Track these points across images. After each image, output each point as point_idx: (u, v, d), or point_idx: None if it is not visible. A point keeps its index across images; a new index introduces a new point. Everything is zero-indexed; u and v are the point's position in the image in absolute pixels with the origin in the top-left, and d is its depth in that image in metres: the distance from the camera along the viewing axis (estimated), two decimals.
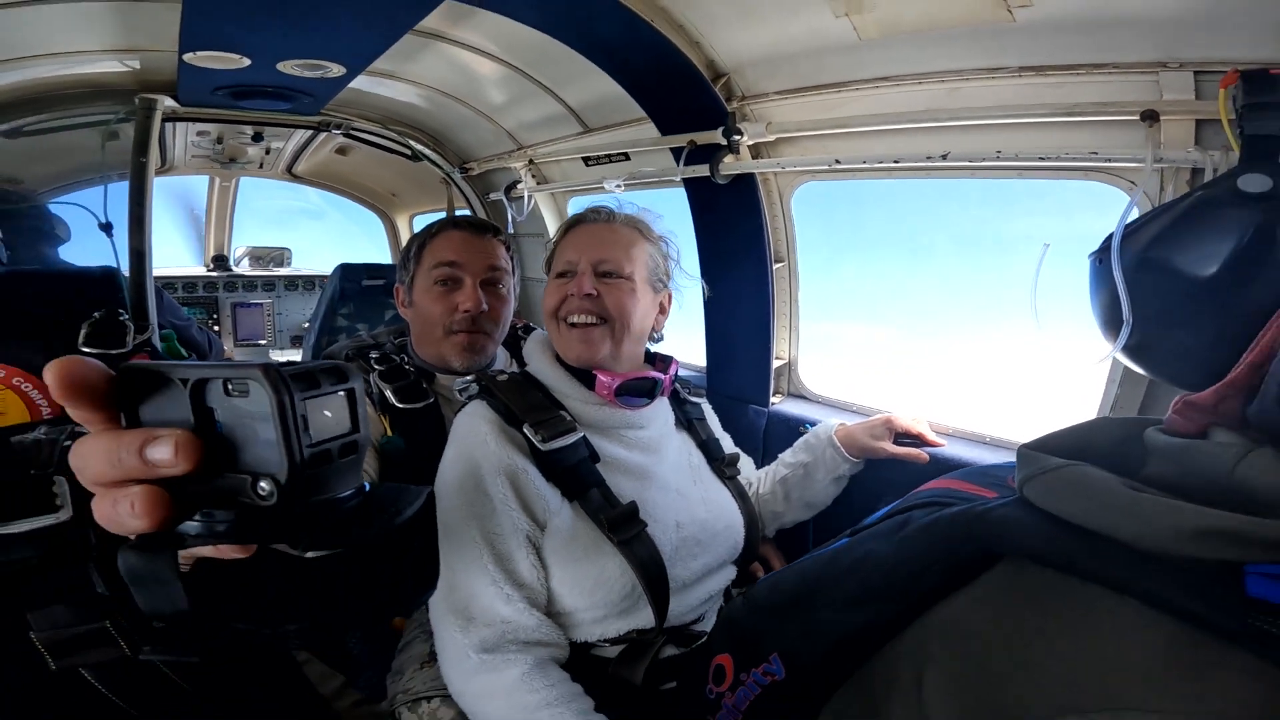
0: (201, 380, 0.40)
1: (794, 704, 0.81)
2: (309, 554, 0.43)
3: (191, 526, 0.41)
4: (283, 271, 4.29)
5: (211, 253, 4.21)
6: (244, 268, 4.24)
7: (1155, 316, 0.95)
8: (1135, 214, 0.98)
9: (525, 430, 1.18)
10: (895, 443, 1.45)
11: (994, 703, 0.58)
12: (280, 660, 1.25)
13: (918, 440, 1.48)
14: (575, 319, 1.25)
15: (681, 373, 1.44)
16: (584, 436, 1.21)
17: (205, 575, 0.45)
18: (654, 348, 1.42)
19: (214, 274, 4.11)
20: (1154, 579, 0.54)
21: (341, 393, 0.43)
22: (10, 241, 1.78)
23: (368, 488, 0.46)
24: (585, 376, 1.26)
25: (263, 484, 0.40)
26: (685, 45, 1.56)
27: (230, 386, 0.40)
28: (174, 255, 4.17)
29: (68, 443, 0.79)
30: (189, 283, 3.96)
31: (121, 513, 0.40)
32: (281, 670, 1.16)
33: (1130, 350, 0.98)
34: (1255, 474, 0.57)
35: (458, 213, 3.35)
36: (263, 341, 4.13)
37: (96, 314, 1.55)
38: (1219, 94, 0.94)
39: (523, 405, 1.21)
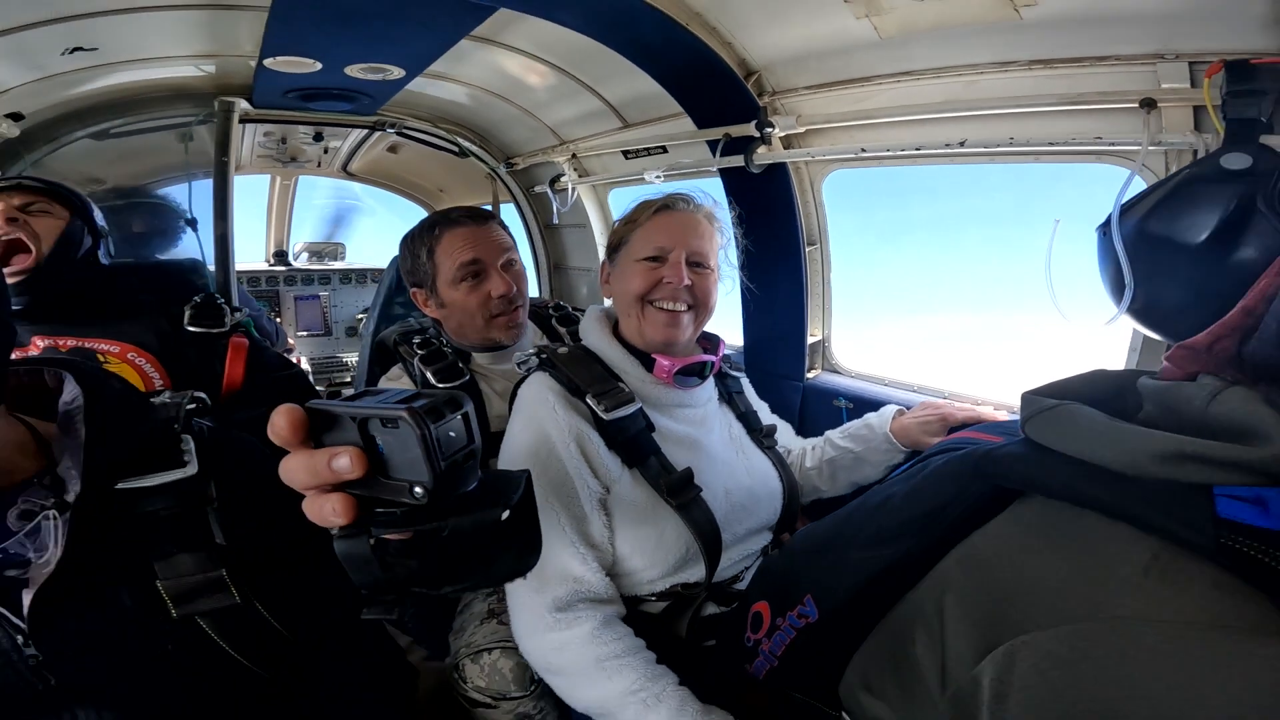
0: (365, 418, 0.53)
1: (826, 646, 0.86)
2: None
3: (374, 519, 0.56)
4: (337, 266, 4.45)
5: (272, 248, 4.42)
6: (302, 262, 4.43)
7: (1154, 280, 1.05)
8: (1131, 192, 1.08)
9: (589, 400, 1.21)
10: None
11: (1001, 618, 0.62)
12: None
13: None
14: (669, 305, 1.26)
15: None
16: (641, 408, 1.25)
17: (385, 554, 0.58)
18: None
19: (276, 269, 4.29)
20: (1137, 502, 0.59)
21: (459, 416, 0.55)
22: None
23: (481, 476, 0.59)
24: (644, 357, 1.29)
25: (417, 489, 0.53)
26: (718, 46, 1.66)
27: (384, 423, 0.53)
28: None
29: (191, 405, 0.91)
30: (253, 277, 4.14)
31: (326, 512, 0.54)
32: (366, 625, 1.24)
33: (1135, 312, 1.09)
34: (1225, 410, 0.60)
35: (503, 206, 3.50)
36: (321, 333, 4.31)
37: (198, 298, 1.67)
38: (1204, 83, 1.03)
39: (585, 377, 1.25)
